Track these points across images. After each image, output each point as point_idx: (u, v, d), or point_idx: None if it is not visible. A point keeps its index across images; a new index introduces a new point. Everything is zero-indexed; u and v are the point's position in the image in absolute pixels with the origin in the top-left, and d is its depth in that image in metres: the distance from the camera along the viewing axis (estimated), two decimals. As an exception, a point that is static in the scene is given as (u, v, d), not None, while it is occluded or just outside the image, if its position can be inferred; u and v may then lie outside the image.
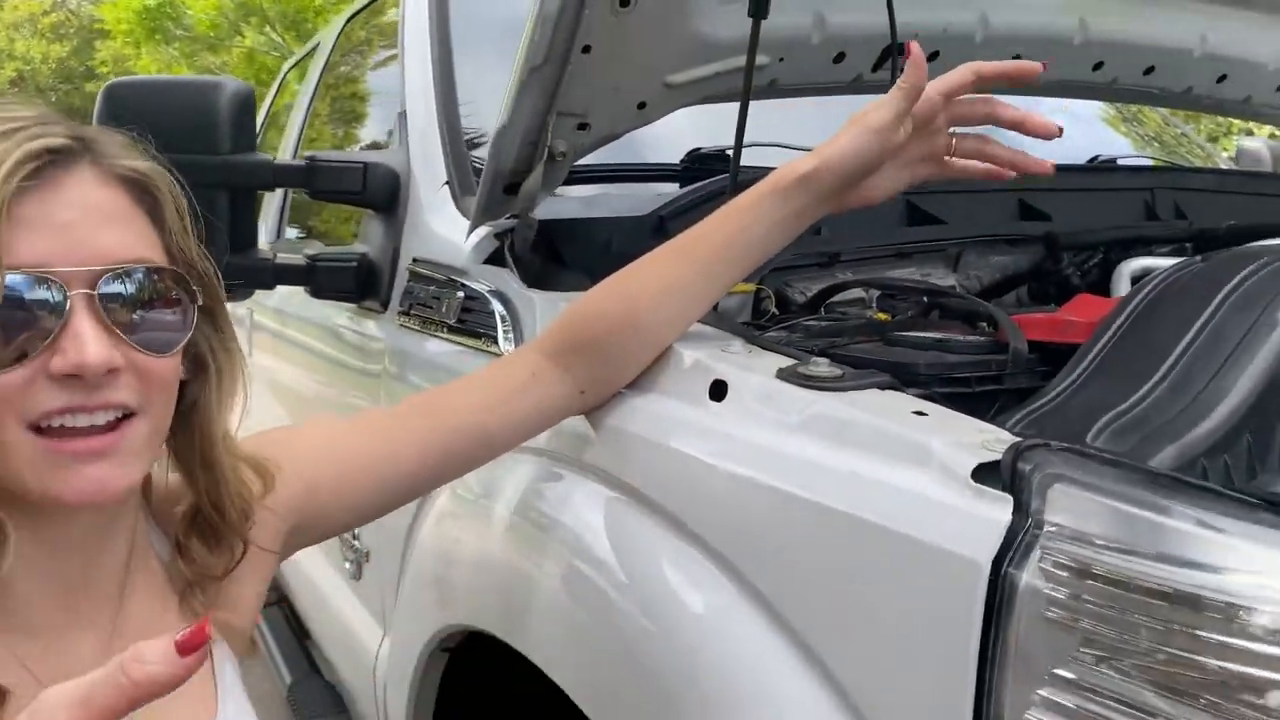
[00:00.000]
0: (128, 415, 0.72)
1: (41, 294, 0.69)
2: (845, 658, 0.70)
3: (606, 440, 0.98)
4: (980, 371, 0.94)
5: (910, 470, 0.69)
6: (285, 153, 2.81)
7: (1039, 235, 1.47)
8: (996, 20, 1.58)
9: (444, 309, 1.45)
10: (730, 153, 1.76)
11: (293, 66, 3.50)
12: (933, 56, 1.59)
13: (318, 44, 3.01)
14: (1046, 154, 2.27)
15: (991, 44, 1.61)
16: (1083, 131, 2.46)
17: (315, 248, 2.07)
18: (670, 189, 1.75)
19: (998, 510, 0.63)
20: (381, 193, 1.74)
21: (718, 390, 0.89)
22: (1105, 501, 0.60)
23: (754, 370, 0.89)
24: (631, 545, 0.91)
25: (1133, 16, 1.68)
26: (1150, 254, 1.34)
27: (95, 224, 0.73)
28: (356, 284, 1.74)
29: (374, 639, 1.72)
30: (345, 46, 2.64)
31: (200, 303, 0.79)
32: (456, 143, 1.73)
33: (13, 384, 0.69)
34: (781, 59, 1.47)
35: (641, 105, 1.38)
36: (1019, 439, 0.66)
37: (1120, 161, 2.05)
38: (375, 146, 2.12)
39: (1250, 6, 1.78)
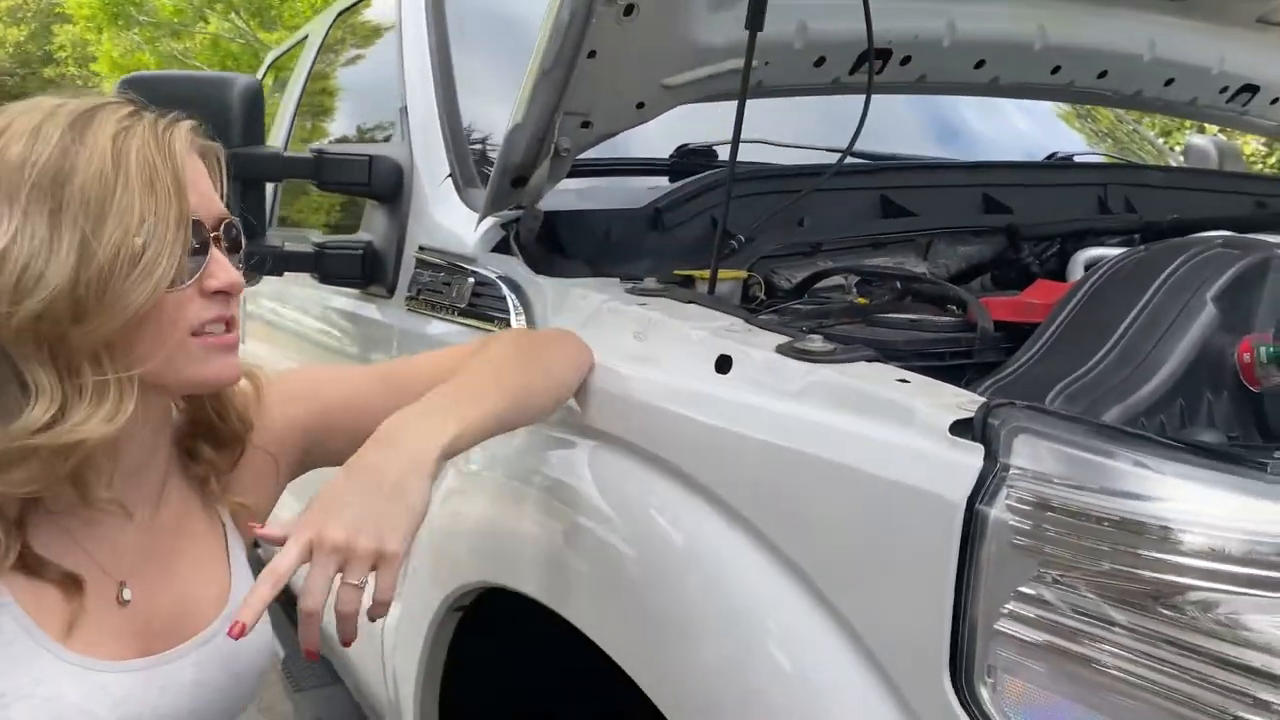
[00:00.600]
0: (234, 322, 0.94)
1: (199, 232, 0.90)
2: (843, 585, 0.82)
3: (617, 408, 1.10)
4: (952, 348, 1.07)
5: (897, 428, 0.81)
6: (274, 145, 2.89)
7: (1002, 227, 1.60)
8: (963, 27, 1.71)
9: (455, 294, 1.56)
10: (717, 148, 1.90)
11: (278, 59, 3.56)
12: (905, 61, 1.72)
13: (305, 36, 3.08)
14: (1008, 151, 2.41)
15: (958, 49, 1.74)
16: (1041, 129, 2.61)
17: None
18: (660, 182, 1.87)
19: (971, 457, 0.75)
20: (386, 184, 1.84)
21: (723, 363, 1.01)
22: (1060, 448, 0.72)
23: (755, 346, 1.00)
24: (646, 500, 1.03)
25: (1087, 24, 1.81)
26: (1101, 244, 1.48)
27: (208, 184, 0.94)
28: (362, 271, 1.85)
29: (380, 605, 1.82)
30: (337, 40, 2.72)
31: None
32: (457, 137, 1.83)
33: (185, 298, 0.89)
34: (767, 63, 1.58)
35: (640, 105, 1.49)
36: (988, 400, 0.78)
37: (1076, 158, 2.19)
38: (370, 139, 2.21)
39: (1193, 15, 1.93)
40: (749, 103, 1.83)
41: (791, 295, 1.44)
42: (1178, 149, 3.89)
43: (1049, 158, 2.14)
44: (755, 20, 1.23)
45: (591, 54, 1.34)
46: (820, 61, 1.63)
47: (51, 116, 0.87)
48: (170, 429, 1.02)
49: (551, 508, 1.17)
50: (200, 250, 0.90)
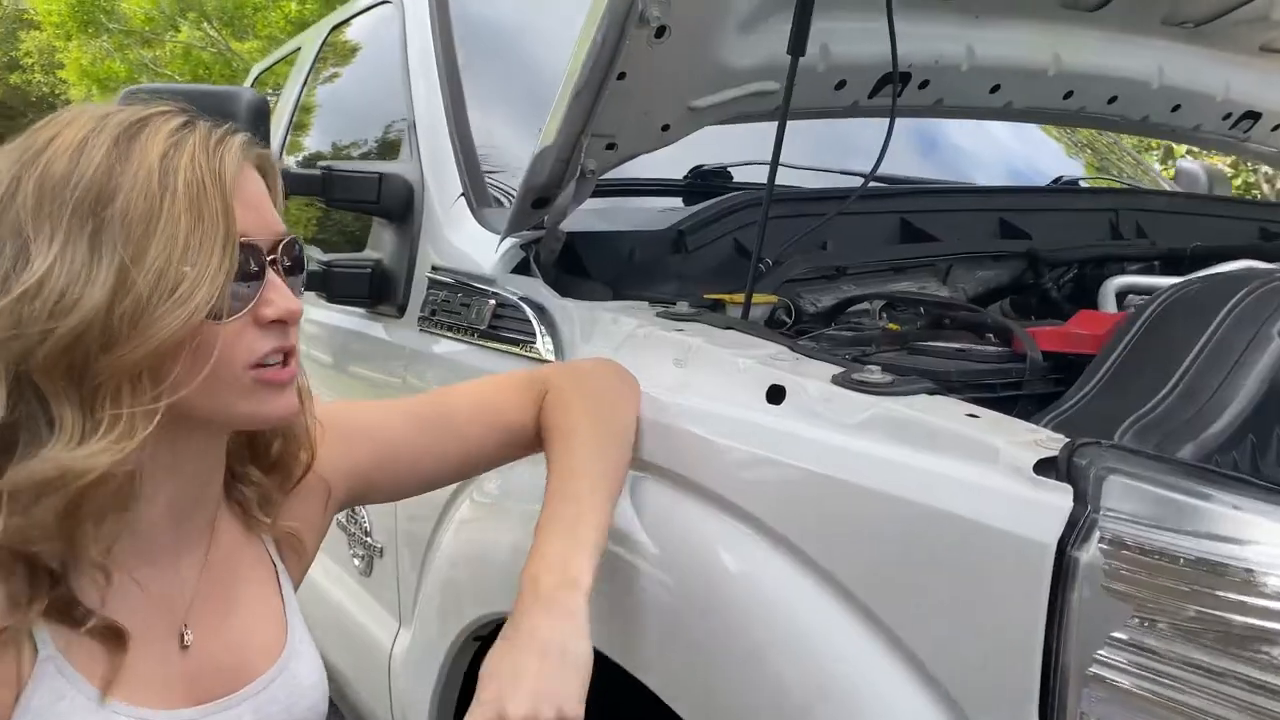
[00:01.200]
0: (293, 354, 0.88)
1: (253, 257, 0.84)
2: (919, 628, 0.80)
3: (662, 439, 1.07)
4: (1003, 379, 1.06)
5: (975, 465, 0.80)
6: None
7: (1023, 252, 1.60)
8: (981, 52, 1.72)
9: (474, 315, 1.53)
10: (730, 168, 1.88)
11: (264, 72, 3.51)
12: (923, 84, 1.72)
13: (297, 49, 3.04)
14: (1021, 175, 2.42)
15: (975, 73, 1.74)
16: (1032, 150, 2.63)
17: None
18: (673, 202, 1.86)
19: (1059, 499, 0.74)
20: (396, 202, 1.82)
21: (776, 394, 0.99)
22: (1153, 490, 0.71)
23: (808, 375, 0.99)
24: (695, 533, 1.00)
25: (1100, 51, 1.82)
26: (1126, 271, 1.48)
27: (266, 203, 0.88)
28: (371, 290, 1.82)
29: (388, 632, 1.79)
30: (334, 53, 2.69)
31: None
32: (469, 155, 1.81)
33: (234, 330, 0.83)
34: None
35: (665, 127, 1.48)
36: (1072, 439, 0.77)
37: (1081, 183, 2.20)
38: (375, 156, 2.18)
39: (1200, 42, 1.94)
40: (759, 126, 1.84)
41: (819, 320, 1.43)
42: (1159, 168, 3.94)
43: (1055, 181, 2.15)
44: (798, 45, 1.22)
45: (621, 75, 1.33)
46: (841, 84, 1.62)
47: (98, 130, 0.81)
48: (223, 470, 0.95)
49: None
50: (254, 275, 0.84)
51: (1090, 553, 0.71)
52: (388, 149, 2.14)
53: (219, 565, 0.94)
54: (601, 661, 0.99)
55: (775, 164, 1.22)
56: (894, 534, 0.83)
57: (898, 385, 0.94)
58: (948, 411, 0.88)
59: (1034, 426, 0.84)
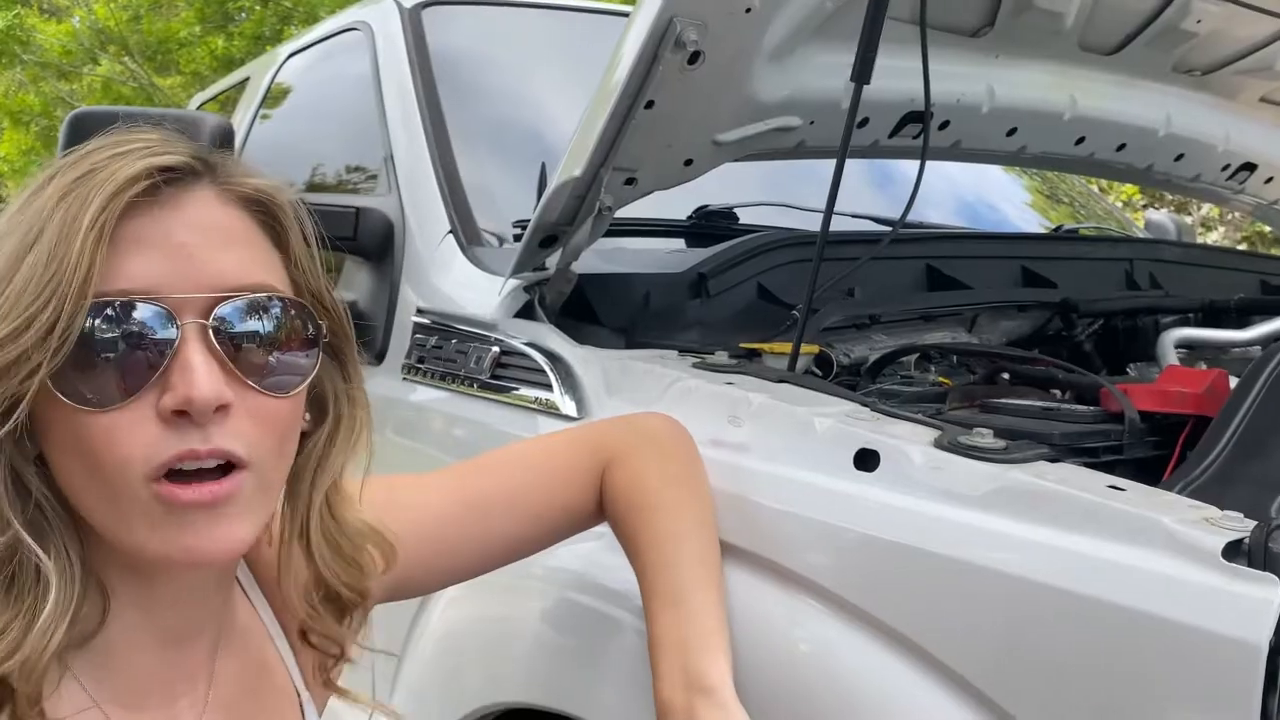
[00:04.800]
0: (236, 466, 0.65)
1: (151, 322, 0.63)
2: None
3: (726, 511, 0.94)
4: (1104, 441, 0.95)
5: (1141, 549, 0.68)
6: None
7: (1055, 302, 1.52)
8: (1001, 93, 1.64)
9: (472, 364, 1.38)
10: (734, 209, 1.78)
11: (207, 102, 3.33)
12: (944, 125, 1.64)
13: (245, 79, 2.87)
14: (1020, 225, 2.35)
15: (995, 115, 1.67)
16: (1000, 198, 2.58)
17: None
18: (677, 244, 1.74)
19: (1265, 590, 0.62)
20: (374, 239, 1.67)
21: (866, 459, 0.87)
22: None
23: (903, 439, 0.87)
24: (781, 623, 0.87)
25: (1114, 96, 1.77)
26: (1189, 324, 1.40)
27: (212, 246, 0.66)
28: (344, 334, 1.66)
29: (358, 714, 1.61)
30: (289, 84, 2.53)
31: (327, 340, 0.72)
32: (455, 190, 1.67)
33: (122, 423, 0.62)
34: (812, 122, 1.48)
35: (688, 162, 1.36)
36: (1266, 520, 0.66)
37: (1081, 232, 2.15)
38: (348, 189, 2.03)
39: (1206, 90, 1.91)
40: (766, 165, 1.74)
41: (851, 372, 1.32)
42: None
43: (1056, 230, 2.09)
44: (863, 72, 1.12)
45: (649, 104, 1.21)
46: (864, 123, 1.53)
47: (58, 170, 0.66)
48: (230, 589, 0.77)
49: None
50: (149, 347, 0.63)
51: (1311, 655, 0.60)
52: (358, 183, 1.99)
53: (227, 705, 0.76)
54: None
55: (832, 201, 1.11)
56: (1044, 631, 0.70)
57: (1013, 451, 0.82)
58: (1085, 482, 0.77)
59: (1197, 503, 0.73)
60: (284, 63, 2.59)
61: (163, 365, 0.63)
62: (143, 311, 0.63)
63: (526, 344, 1.32)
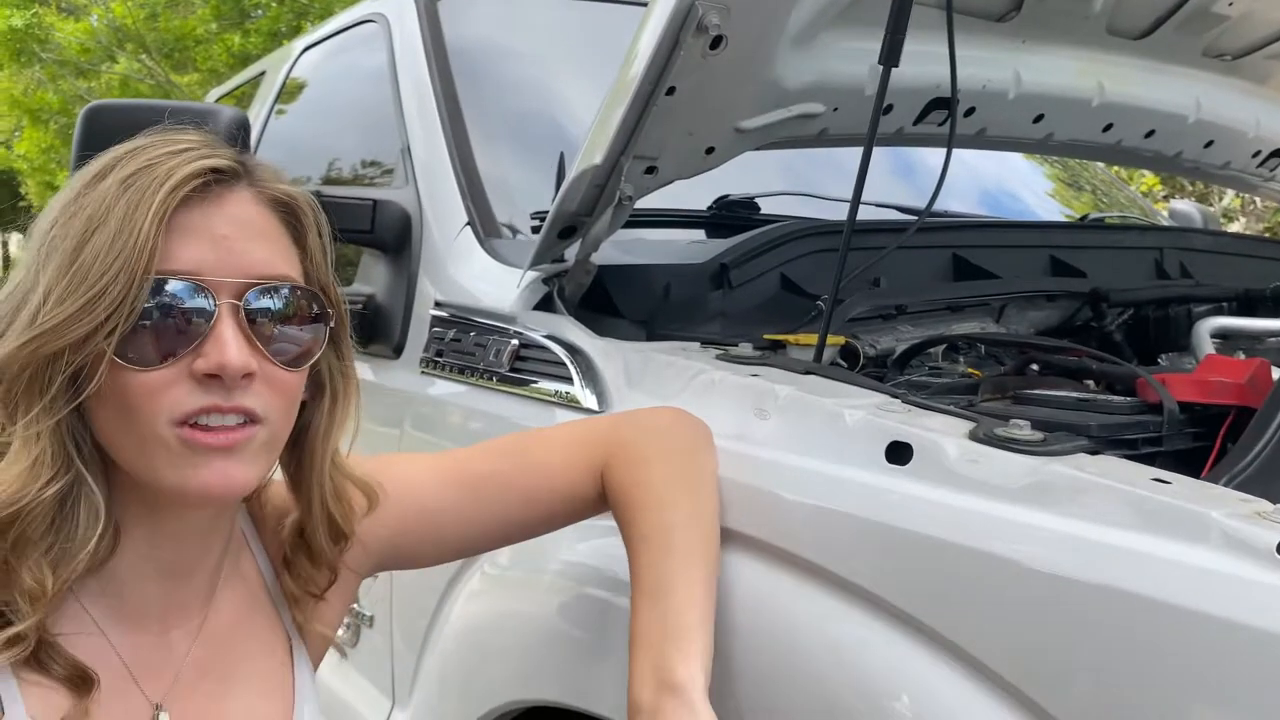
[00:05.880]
0: (253, 421, 0.76)
1: (195, 299, 0.74)
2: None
3: (755, 505, 0.92)
4: (1143, 433, 0.92)
5: (1192, 544, 0.65)
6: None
7: (1085, 292, 1.48)
8: (1028, 79, 1.61)
9: (491, 357, 1.36)
10: (755, 199, 1.75)
11: (223, 97, 3.32)
12: (969, 112, 1.61)
13: (262, 73, 2.86)
14: (1042, 214, 2.32)
15: (1021, 102, 1.63)
16: (1025, 188, 2.54)
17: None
18: (697, 235, 1.72)
19: (1325, 588, 0.60)
20: (391, 232, 1.65)
21: (899, 452, 0.84)
22: None
23: (937, 431, 0.84)
24: (799, 619, 0.85)
25: (1143, 81, 1.73)
26: (1223, 313, 1.36)
27: (248, 239, 0.77)
28: (362, 328, 1.64)
29: (377, 711, 1.60)
30: (305, 76, 2.52)
31: (332, 325, 0.83)
32: (473, 181, 1.65)
33: (160, 381, 0.73)
34: (836, 109, 1.45)
35: (710, 150, 1.34)
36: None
37: (1106, 220, 2.11)
38: (365, 182, 2.01)
39: (1236, 75, 1.87)
40: (785, 154, 1.71)
41: (877, 363, 1.29)
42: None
43: (1083, 219, 2.06)
44: (891, 55, 1.09)
45: (670, 90, 1.19)
46: (888, 110, 1.50)
47: (117, 160, 0.76)
48: (228, 532, 0.86)
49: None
50: (188, 319, 0.73)
51: (1378, 657, 0.57)
52: (375, 176, 1.97)
53: (218, 638, 0.84)
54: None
55: (860, 188, 1.08)
56: (1088, 630, 0.68)
57: (1052, 443, 0.80)
58: (1129, 475, 0.74)
59: (1246, 496, 0.70)
60: (299, 56, 2.58)
61: (201, 336, 0.74)
62: (189, 290, 0.74)
63: (546, 336, 1.30)
